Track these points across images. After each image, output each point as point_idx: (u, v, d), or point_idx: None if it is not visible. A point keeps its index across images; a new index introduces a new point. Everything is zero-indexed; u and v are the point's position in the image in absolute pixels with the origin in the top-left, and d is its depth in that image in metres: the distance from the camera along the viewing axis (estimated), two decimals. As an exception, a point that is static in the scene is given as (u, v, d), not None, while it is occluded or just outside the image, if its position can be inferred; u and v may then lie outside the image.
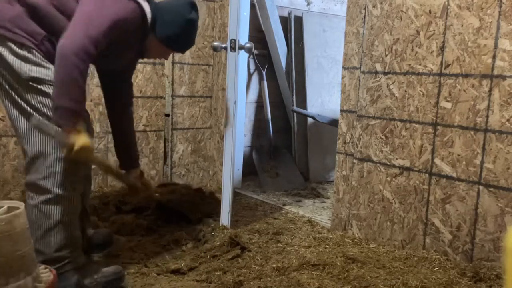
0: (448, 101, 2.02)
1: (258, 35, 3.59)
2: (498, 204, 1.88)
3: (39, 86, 1.68)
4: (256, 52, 3.59)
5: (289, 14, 3.64)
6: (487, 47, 1.89)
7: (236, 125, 2.44)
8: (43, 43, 1.71)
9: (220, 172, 3.15)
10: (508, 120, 1.84)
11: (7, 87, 1.69)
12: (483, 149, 1.92)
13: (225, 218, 2.39)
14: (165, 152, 3.15)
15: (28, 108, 1.68)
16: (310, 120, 3.56)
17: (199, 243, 2.21)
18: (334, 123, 3.07)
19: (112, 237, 2.19)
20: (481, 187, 1.93)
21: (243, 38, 3.04)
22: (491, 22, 1.87)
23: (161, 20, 1.85)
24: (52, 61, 1.66)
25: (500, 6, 1.85)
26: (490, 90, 1.89)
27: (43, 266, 1.57)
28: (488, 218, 1.91)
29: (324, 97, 3.69)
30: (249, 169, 3.50)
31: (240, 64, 2.47)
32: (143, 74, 2.95)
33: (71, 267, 1.74)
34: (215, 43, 2.45)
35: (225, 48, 2.37)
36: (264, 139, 3.70)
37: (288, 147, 3.72)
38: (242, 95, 3.26)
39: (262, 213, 2.80)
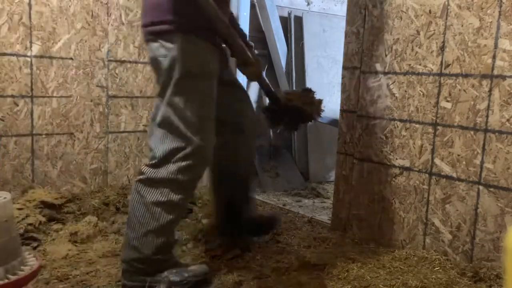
0: (448, 101, 2.02)
1: (258, 35, 3.58)
2: (498, 204, 1.88)
3: (196, 84, 1.77)
4: (256, 52, 3.58)
5: (289, 14, 3.64)
6: (487, 47, 1.89)
7: (236, 125, 2.44)
8: (208, 35, 1.80)
9: (220, 172, 3.14)
10: (508, 120, 1.84)
11: (174, 79, 1.72)
12: (483, 149, 1.92)
13: (225, 218, 2.38)
14: (165, 152, 3.14)
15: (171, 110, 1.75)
16: (310, 120, 3.55)
17: (199, 243, 2.21)
18: (334, 123, 3.06)
19: (277, 220, 2.31)
20: (481, 187, 1.93)
21: (243, 38, 3.03)
22: (491, 22, 1.87)
23: None
24: None
25: (500, 6, 1.85)
26: (490, 90, 1.89)
27: (30, 254, 1.60)
28: (488, 218, 1.91)
29: (324, 97, 3.68)
30: (249, 169, 3.49)
31: (240, 64, 2.46)
32: (143, 74, 2.95)
33: (165, 269, 1.74)
34: (215, 43, 2.44)
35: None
36: (264, 139, 3.70)
37: (288, 147, 3.72)
38: (242, 95, 3.26)
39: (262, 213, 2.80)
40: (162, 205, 1.70)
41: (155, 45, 1.73)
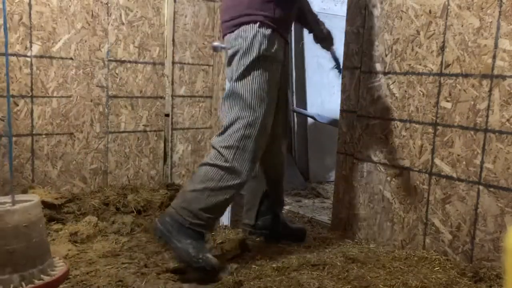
0: (448, 101, 2.02)
1: (258, 35, 3.58)
2: (498, 204, 1.88)
3: (269, 63, 1.97)
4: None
5: (289, 14, 3.63)
6: (487, 47, 1.89)
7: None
8: (279, 22, 2.01)
9: (220, 172, 3.14)
10: (508, 120, 1.84)
11: (249, 61, 1.93)
12: (483, 149, 1.92)
13: (225, 218, 2.39)
14: (165, 152, 3.15)
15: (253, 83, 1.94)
16: (310, 120, 3.56)
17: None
18: (334, 123, 3.06)
19: (304, 234, 2.39)
20: (481, 187, 1.93)
21: (243, 38, 3.04)
22: (491, 22, 1.87)
23: None
24: None
25: (500, 6, 1.85)
26: (490, 90, 1.89)
27: (58, 259, 1.57)
28: (488, 218, 1.91)
29: (324, 97, 3.69)
30: (249, 169, 3.49)
31: (240, 64, 2.47)
32: (143, 74, 2.95)
33: (196, 233, 1.86)
34: (215, 43, 2.46)
35: (225, 48, 2.36)
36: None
37: (288, 147, 3.71)
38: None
39: (262, 213, 2.80)
40: (225, 170, 1.87)
41: (232, 35, 1.95)
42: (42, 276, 1.48)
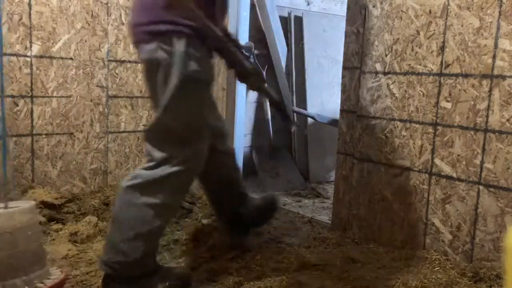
0: (448, 101, 2.02)
1: (258, 35, 3.58)
2: (498, 204, 1.88)
3: (200, 86, 1.75)
4: (256, 52, 3.58)
5: (289, 14, 3.64)
6: (487, 47, 1.89)
7: (236, 125, 2.44)
8: (202, 36, 1.74)
9: (220, 172, 3.14)
10: (508, 120, 1.84)
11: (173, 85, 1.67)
12: (483, 149, 1.92)
13: (225, 218, 2.38)
14: (165, 152, 3.14)
15: (188, 110, 1.73)
16: (310, 120, 3.56)
17: (199, 243, 2.21)
18: (334, 123, 3.06)
19: (275, 200, 2.27)
20: (481, 187, 1.93)
21: (243, 38, 3.04)
22: (491, 22, 1.87)
23: None
24: None
25: (500, 6, 1.85)
26: (490, 90, 1.89)
27: (55, 268, 1.53)
28: (488, 218, 1.91)
29: (324, 97, 3.69)
30: (249, 169, 3.50)
31: (240, 64, 2.46)
32: (143, 74, 2.95)
33: (150, 274, 1.73)
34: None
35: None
36: (264, 139, 3.70)
37: (288, 147, 3.72)
38: (242, 95, 3.26)
39: (262, 213, 2.80)
40: (155, 208, 1.67)
41: (151, 46, 1.64)
42: (51, 277, 1.45)
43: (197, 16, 1.63)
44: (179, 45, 1.61)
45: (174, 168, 1.68)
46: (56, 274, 1.51)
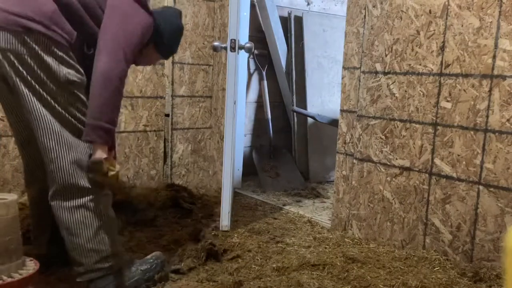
0: (448, 101, 2.02)
1: (258, 35, 3.59)
2: (498, 204, 1.88)
3: (75, 91, 1.62)
4: (256, 52, 3.59)
5: (289, 14, 3.64)
6: (487, 47, 1.89)
7: (236, 125, 2.44)
8: (75, 44, 1.64)
9: (220, 172, 3.15)
10: (508, 120, 1.84)
11: (41, 91, 1.56)
12: (483, 149, 1.92)
13: (225, 218, 2.39)
14: (165, 152, 3.15)
15: (66, 114, 1.60)
16: (310, 120, 3.55)
17: (199, 243, 2.21)
18: (334, 123, 3.06)
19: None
20: (481, 187, 1.93)
21: (243, 38, 3.04)
22: (491, 22, 1.87)
23: (161, 30, 1.84)
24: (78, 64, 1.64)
25: (500, 6, 1.85)
26: (490, 90, 1.89)
27: (28, 258, 1.58)
28: (488, 218, 1.91)
29: (324, 97, 3.69)
30: (249, 169, 3.50)
31: (240, 64, 2.47)
32: (143, 74, 2.95)
33: (125, 262, 1.76)
34: (215, 43, 2.45)
35: (225, 48, 2.37)
36: (264, 139, 3.70)
37: (288, 147, 3.72)
38: (242, 95, 3.26)
39: (262, 213, 2.80)
40: (94, 200, 1.67)
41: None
42: (26, 267, 1.51)
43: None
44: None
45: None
46: (31, 265, 1.56)
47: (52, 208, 1.66)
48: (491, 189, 1.90)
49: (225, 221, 2.39)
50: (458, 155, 2.00)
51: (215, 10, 3.20)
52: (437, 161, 2.07)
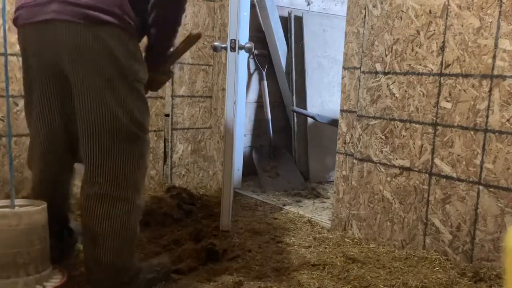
0: (448, 101, 2.02)
1: (258, 35, 3.59)
2: (498, 204, 1.88)
3: (140, 90, 1.56)
4: (256, 52, 3.59)
5: (289, 14, 3.64)
6: (487, 47, 1.89)
7: (236, 125, 2.44)
8: (138, 31, 1.54)
9: (220, 172, 3.15)
10: (508, 120, 1.84)
11: (106, 89, 1.46)
12: (483, 149, 1.92)
13: (225, 218, 2.39)
14: (165, 152, 3.15)
15: (121, 112, 1.50)
16: (310, 120, 3.55)
17: (199, 243, 2.21)
18: (334, 123, 3.06)
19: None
20: (481, 187, 1.93)
21: (243, 38, 3.04)
22: (491, 22, 1.87)
23: None
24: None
25: (500, 6, 1.85)
26: (490, 90, 1.89)
27: (56, 270, 1.53)
28: (488, 218, 1.91)
29: (324, 97, 3.69)
30: (249, 169, 3.50)
31: (240, 64, 2.47)
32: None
33: (136, 273, 1.71)
34: (215, 43, 2.45)
35: (225, 48, 2.37)
36: (264, 139, 3.70)
37: (288, 147, 3.72)
38: (242, 95, 3.26)
39: (262, 213, 2.80)
40: (129, 212, 1.62)
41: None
42: (52, 280, 1.46)
43: None
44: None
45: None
46: (57, 277, 1.51)
47: (89, 208, 1.57)
48: (491, 189, 1.90)
49: (225, 221, 2.39)
50: (458, 155, 2.00)
51: (215, 10, 3.20)
52: (437, 161, 2.07)
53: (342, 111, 2.47)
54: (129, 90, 1.52)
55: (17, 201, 1.53)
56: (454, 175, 2.01)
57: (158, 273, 1.80)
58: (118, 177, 1.56)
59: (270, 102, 3.62)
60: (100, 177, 1.55)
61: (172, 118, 3.13)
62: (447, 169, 2.04)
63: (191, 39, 1.68)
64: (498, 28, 1.85)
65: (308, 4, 3.84)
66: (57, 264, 1.67)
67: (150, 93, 2.97)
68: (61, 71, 1.52)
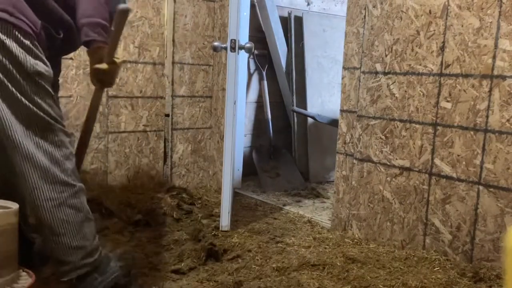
0: (448, 101, 2.03)
1: (258, 35, 3.59)
2: (498, 204, 1.88)
3: (42, 82, 1.56)
4: (256, 52, 3.59)
5: (289, 14, 3.64)
6: (487, 47, 1.89)
7: (236, 125, 2.44)
8: (40, 33, 1.58)
9: (220, 172, 3.15)
10: (508, 120, 1.84)
11: (6, 81, 1.48)
12: (483, 149, 1.92)
13: (225, 218, 2.39)
14: (165, 152, 3.15)
15: (31, 106, 1.54)
16: (310, 120, 3.55)
17: (199, 243, 2.21)
18: (334, 123, 3.06)
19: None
20: (481, 187, 1.93)
21: (243, 38, 3.04)
22: (491, 22, 1.87)
23: None
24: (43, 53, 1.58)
25: (500, 6, 1.85)
26: (490, 90, 1.89)
27: (20, 270, 1.53)
28: (488, 218, 1.91)
29: (324, 97, 3.69)
30: (249, 169, 3.50)
31: (240, 64, 2.47)
32: (143, 74, 2.95)
33: (105, 253, 1.72)
34: (215, 43, 2.45)
35: (225, 48, 2.37)
36: (264, 139, 3.70)
37: (288, 147, 3.72)
38: (242, 95, 3.26)
39: (262, 213, 2.80)
40: (76, 195, 1.63)
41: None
42: (20, 281, 1.44)
43: None
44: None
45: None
46: (24, 278, 1.51)
47: (33, 209, 1.59)
48: (491, 189, 1.90)
49: (225, 221, 2.39)
50: (458, 155, 2.00)
51: (215, 10, 3.20)
52: (437, 161, 2.07)
53: (342, 111, 2.48)
54: (31, 83, 1.53)
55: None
56: (454, 175, 2.01)
57: (127, 259, 1.79)
58: (48, 168, 1.56)
59: (270, 102, 3.62)
60: (32, 171, 1.55)
61: (172, 118, 3.14)
62: (447, 169, 2.04)
63: (120, 15, 1.61)
64: (498, 28, 1.86)
65: (308, 4, 3.84)
66: (23, 265, 1.65)
67: (150, 93, 2.98)
68: None
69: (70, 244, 1.60)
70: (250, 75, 3.64)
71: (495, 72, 1.87)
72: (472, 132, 1.95)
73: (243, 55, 2.93)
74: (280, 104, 3.79)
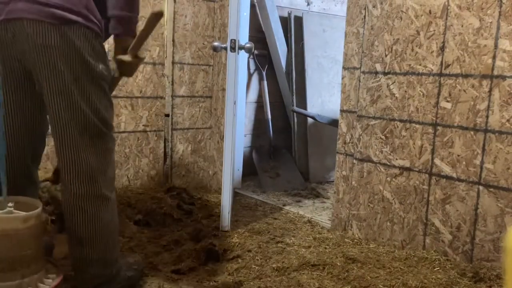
0: (448, 101, 2.03)
1: (258, 35, 3.59)
2: (498, 204, 1.88)
3: (104, 84, 1.57)
4: (256, 52, 3.59)
5: (289, 14, 3.64)
6: (487, 47, 1.89)
7: (236, 125, 2.44)
8: (103, 31, 1.58)
9: (220, 172, 3.15)
10: (508, 120, 1.84)
11: (72, 89, 1.47)
12: (483, 149, 1.92)
13: (225, 218, 2.39)
14: (165, 152, 3.15)
15: (90, 113, 1.52)
16: (310, 120, 3.56)
17: (199, 243, 2.21)
18: (334, 123, 3.06)
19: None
20: (481, 187, 1.93)
21: (243, 38, 3.04)
22: (491, 22, 1.87)
23: None
24: None
25: (500, 6, 1.85)
26: (490, 90, 1.89)
27: (52, 268, 1.54)
28: (488, 218, 1.91)
29: (324, 97, 3.69)
30: (249, 169, 3.50)
31: (240, 64, 2.47)
32: (143, 74, 2.95)
33: (119, 267, 1.74)
34: (215, 43, 2.45)
35: (225, 48, 2.37)
36: (264, 139, 3.70)
37: (288, 147, 3.72)
38: (242, 95, 3.27)
39: (262, 213, 2.80)
40: (108, 208, 1.65)
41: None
42: (47, 280, 1.46)
43: None
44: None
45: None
46: (53, 275, 1.52)
47: (71, 214, 1.58)
48: (491, 189, 1.90)
49: (225, 221, 2.39)
50: (458, 155, 2.00)
51: (215, 10, 3.20)
52: (437, 161, 2.07)
53: (342, 111, 2.48)
54: (95, 88, 1.54)
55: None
56: (454, 175, 2.01)
57: (135, 271, 1.81)
58: (93, 176, 1.57)
59: (270, 102, 3.62)
60: (75, 179, 1.56)
61: (172, 118, 3.14)
62: (447, 169, 2.04)
63: (153, 17, 1.62)
64: (498, 28, 1.86)
65: (308, 4, 3.84)
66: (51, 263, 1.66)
67: (150, 93, 2.98)
68: (24, 69, 1.52)
69: (93, 256, 1.61)
70: (250, 75, 3.64)
71: (495, 72, 1.87)
72: (472, 132, 1.95)
73: (243, 55, 2.93)
74: (280, 104, 3.79)
